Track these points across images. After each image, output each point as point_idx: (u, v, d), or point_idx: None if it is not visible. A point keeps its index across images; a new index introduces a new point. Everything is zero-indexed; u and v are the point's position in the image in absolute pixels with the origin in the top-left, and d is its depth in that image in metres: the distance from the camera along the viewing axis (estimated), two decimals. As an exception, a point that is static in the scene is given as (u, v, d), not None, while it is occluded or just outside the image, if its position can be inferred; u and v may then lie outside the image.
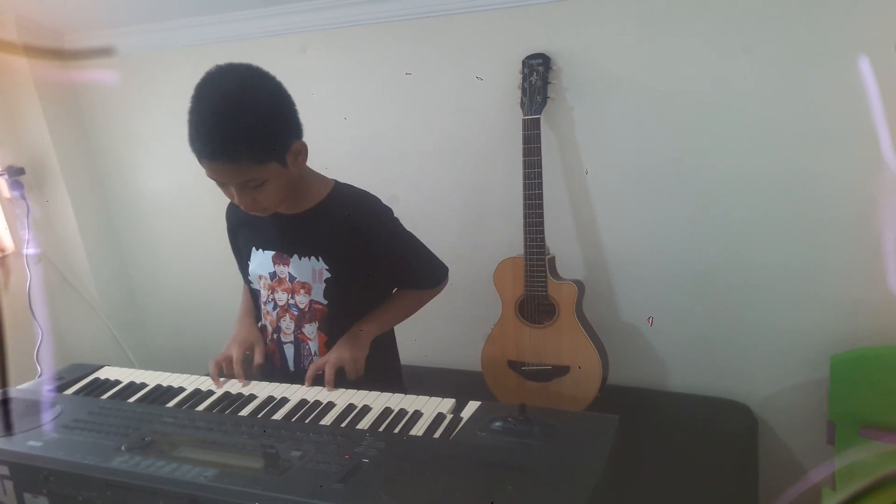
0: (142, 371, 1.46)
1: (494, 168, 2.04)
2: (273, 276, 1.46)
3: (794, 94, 1.72)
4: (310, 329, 1.47)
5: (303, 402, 1.26)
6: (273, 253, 1.45)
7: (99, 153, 2.61)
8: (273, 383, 1.36)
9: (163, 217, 2.63)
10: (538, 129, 1.80)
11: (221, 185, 1.28)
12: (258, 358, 1.46)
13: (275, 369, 1.53)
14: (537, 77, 1.83)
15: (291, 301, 1.46)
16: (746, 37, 1.73)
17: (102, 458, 1.05)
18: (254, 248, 1.48)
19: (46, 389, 1.38)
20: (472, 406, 1.18)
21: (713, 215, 1.88)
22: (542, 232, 1.83)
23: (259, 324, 1.55)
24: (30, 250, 2.47)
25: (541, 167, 1.80)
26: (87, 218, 2.60)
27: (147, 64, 2.41)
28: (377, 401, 1.25)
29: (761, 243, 1.85)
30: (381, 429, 1.14)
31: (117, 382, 1.41)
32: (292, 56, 2.13)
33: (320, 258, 1.41)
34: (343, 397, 1.27)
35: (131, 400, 1.32)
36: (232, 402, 1.28)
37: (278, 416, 1.22)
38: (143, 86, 2.44)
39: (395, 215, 1.47)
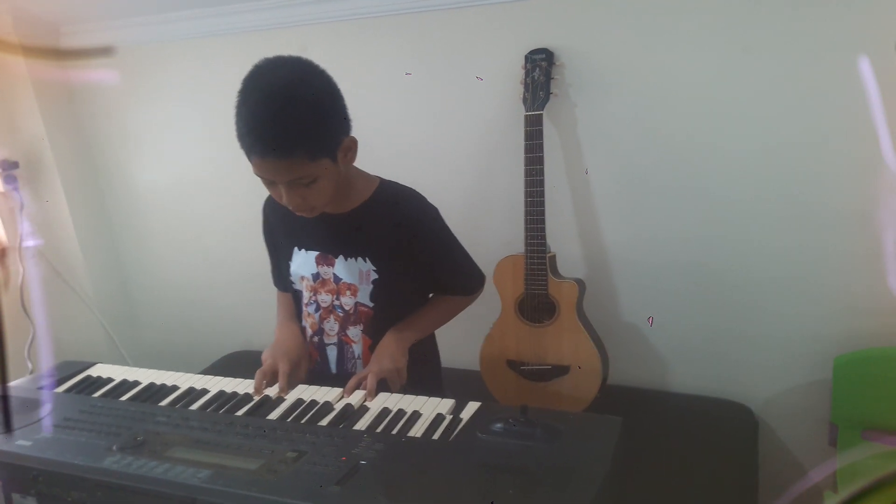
0: (134, 369, 1.43)
1: (495, 164, 2.02)
2: (316, 277, 1.43)
3: (795, 94, 1.71)
4: (354, 332, 1.44)
5: (298, 401, 1.24)
6: (317, 253, 1.42)
7: (94, 147, 2.59)
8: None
9: (157, 212, 2.61)
10: (540, 125, 1.78)
11: (270, 183, 1.24)
12: (301, 376, 1.40)
13: (312, 371, 1.48)
14: (540, 72, 1.80)
15: (336, 302, 1.42)
16: (749, 34, 1.71)
17: (93, 458, 1.03)
18: (296, 248, 1.44)
19: (37, 387, 1.35)
20: (471, 407, 1.16)
21: (716, 215, 1.86)
22: (543, 230, 1.80)
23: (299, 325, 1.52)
24: (23, 245, 2.44)
25: (543, 164, 1.78)
26: (82, 212, 2.57)
27: (142, 58, 2.38)
28: (375, 401, 1.23)
29: (764, 243, 1.84)
30: (378, 430, 1.11)
31: (109, 380, 1.39)
32: (290, 51, 2.10)
33: (367, 259, 1.38)
34: (339, 397, 1.25)
35: (123, 398, 1.29)
36: (226, 401, 1.26)
37: (274, 415, 1.19)
38: (139, 80, 2.42)
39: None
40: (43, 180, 2.49)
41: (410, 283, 1.45)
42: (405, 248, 1.39)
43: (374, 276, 1.38)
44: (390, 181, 1.44)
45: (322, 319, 1.45)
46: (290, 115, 1.15)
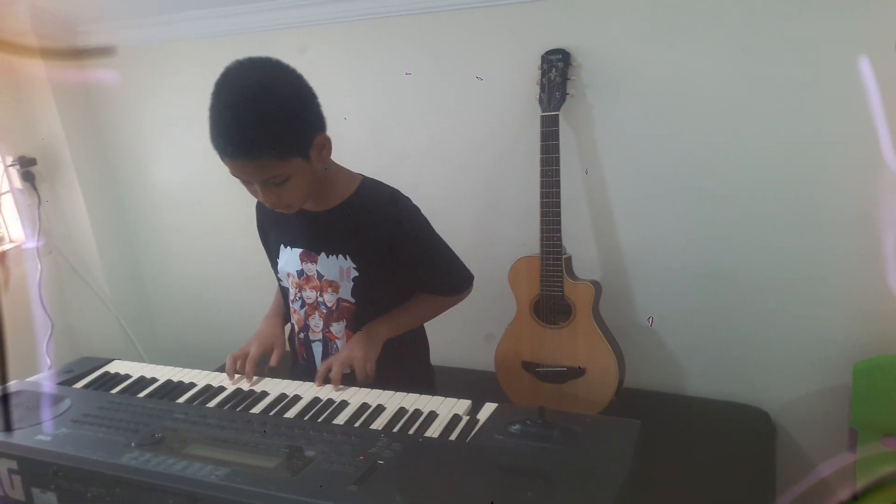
0: (152, 366, 1.44)
1: (511, 165, 2.01)
2: (301, 273, 1.44)
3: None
4: (337, 328, 1.45)
5: (315, 399, 1.24)
6: (301, 250, 1.43)
7: (111, 145, 2.60)
8: (285, 380, 1.34)
9: (173, 209, 2.62)
10: (556, 126, 1.77)
11: (246, 182, 1.26)
12: (273, 361, 1.43)
13: (299, 367, 1.50)
14: (556, 73, 1.79)
15: (320, 299, 1.44)
16: (766, 37, 1.69)
17: (112, 455, 1.03)
18: (282, 246, 1.46)
19: (55, 383, 1.36)
20: (488, 408, 1.15)
21: (733, 218, 1.85)
22: (559, 231, 1.79)
23: (287, 323, 1.53)
24: (40, 241, 2.46)
25: (558, 165, 1.77)
26: (98, 209, 2.58)
27: (158, 56, 2.39)
28: (391, 400, 1.22)
29: (781, 246, 1.82)
30: (395, 429, 1.11)
31: (127, 377, 1.39)
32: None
33: (348, 256, 1.39)
34: (356, 396, 1.25)
35: (141, 395, 1.30)
36: (244, 398, 1.26)
37: (290, 413, 1.19)
38: (155, 78, 2.43)
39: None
40: (60, 177, 2.51)
41: (391, 281, 1.45)
42: (384, 246, 1.39)
43: (355, 273, 1.39)
44: (373, 179, 1.44)
45: (307, 316, 1.47)
46: (258, 117, 1.16)
